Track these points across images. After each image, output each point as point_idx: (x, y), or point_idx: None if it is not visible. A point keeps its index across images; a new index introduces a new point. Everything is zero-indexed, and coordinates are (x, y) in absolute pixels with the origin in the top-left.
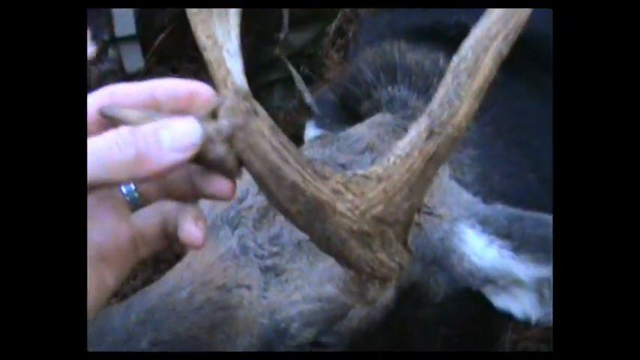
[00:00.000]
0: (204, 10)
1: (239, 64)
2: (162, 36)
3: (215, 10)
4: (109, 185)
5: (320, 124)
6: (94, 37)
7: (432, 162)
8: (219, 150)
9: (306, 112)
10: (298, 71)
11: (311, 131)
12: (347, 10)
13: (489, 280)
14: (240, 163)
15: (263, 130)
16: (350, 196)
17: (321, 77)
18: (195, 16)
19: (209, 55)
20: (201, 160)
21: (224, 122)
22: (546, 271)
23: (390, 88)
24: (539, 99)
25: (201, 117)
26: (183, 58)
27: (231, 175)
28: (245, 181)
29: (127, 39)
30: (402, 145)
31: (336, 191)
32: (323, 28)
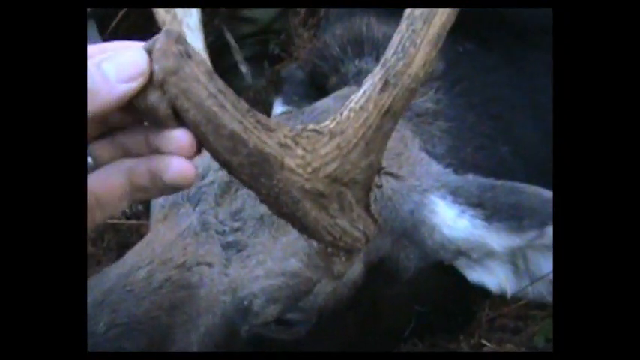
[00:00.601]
0: None
1: (200, 40)
2: (121, 13)
3: None
4: None
5: (287, 101)
6: None
7: (389, 115)
8: (151, 97)
9: (275, 90)
10: (268, 50)
11: (278, 108)
12: None
13: (462, 252)
14: (175, 111)
15: (198, 74)
16: (300, 152)
17: (290, 56)
18: None
19: (168, 29)
20: (132, 108)
21: (155, 66)
22: (519, 240)
23: (357, 61)
24: (512, 71)
25: None
26: (148, 36)
27: (166, 124)
28: (206, 157)
29: None
30: (356, 98)
31: (283, 145)
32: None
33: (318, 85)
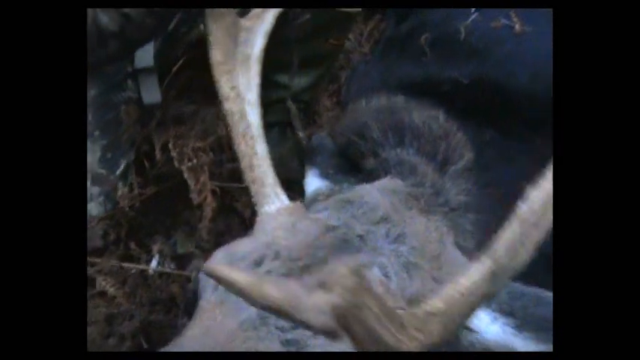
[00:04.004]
0: (230, 60)
1: (258, 116)
2: (175, 67)
3: (239, 58)
4: None
5: (323, 175)
6: (117, 71)
7: (487, 297)
8: (327, 322)
9: (298, 155)
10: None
11: (314, 182)
12: (340, 56)
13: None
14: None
15: (372, 306)
16: (419, 336)
17: (314, 123)
18: (221, 65)
19: (231, 106)
20: (306, 326)
21: (336, 299)
22: (546, 349)
23: (398, 150)
24: (529, 163)
25: (309, 285)
26: (201, 90)
27: (332, 339)
28: (261, 243)
29: (145, 70)
30: (465, 283)
31: (410, 337)
32: (324, 73)
33: (351, 160)
